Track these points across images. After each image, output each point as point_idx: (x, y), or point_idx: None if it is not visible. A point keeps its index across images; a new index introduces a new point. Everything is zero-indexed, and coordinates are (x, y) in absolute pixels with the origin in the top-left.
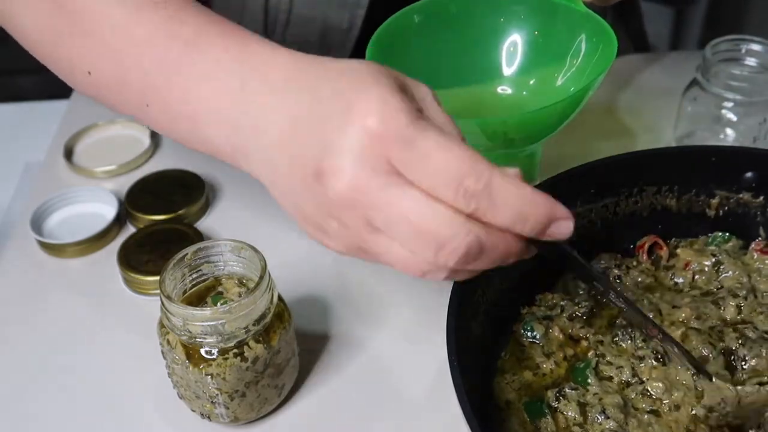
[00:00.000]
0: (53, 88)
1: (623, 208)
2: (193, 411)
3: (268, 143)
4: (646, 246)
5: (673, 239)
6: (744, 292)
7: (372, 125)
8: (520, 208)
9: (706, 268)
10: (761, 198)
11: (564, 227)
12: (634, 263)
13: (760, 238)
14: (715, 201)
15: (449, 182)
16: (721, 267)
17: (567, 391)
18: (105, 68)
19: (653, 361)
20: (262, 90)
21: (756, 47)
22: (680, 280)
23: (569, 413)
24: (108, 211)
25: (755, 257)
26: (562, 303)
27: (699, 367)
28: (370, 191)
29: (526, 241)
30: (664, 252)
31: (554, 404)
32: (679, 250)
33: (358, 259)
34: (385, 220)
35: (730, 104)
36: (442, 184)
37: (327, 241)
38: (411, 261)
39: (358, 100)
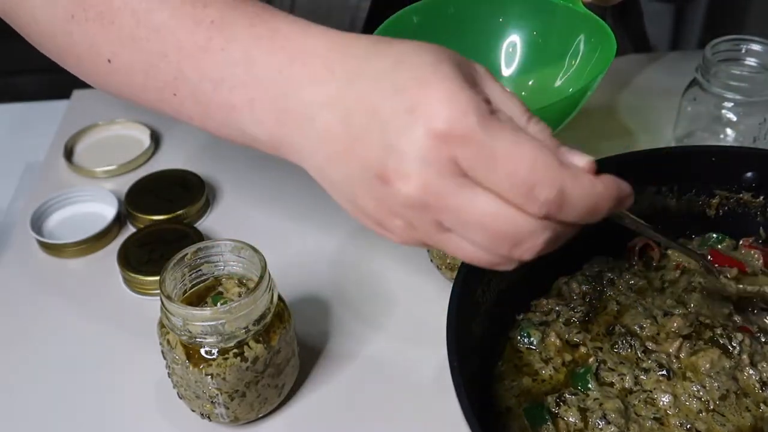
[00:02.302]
0: (53, 88)
1: None
2: (193, 411)
3: (316, 136)
4: (637, 248)
5: None
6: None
7: (439, 128)
8: (593, 205)
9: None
10: (761, 198)
11: (627, 202)
12: (627, 266)
13: (753, 237)
14: (715, 201)
15: (519, 188)
16: None
17: (567, 396)
18: (126, 55)
19: (657, 374)
20: (302, 78)
21: (756, 47)
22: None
23: (570, 418)
24: (108, 211)
25: (743, 252)
26: (557, 308)
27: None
28: (440, 196)
29: None
30: (655, 253)
31: (554, 410)
32: (670, 251)
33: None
34: (456, 222)
35: (730, 104)
36: (513, 189)
37: (388, 235)
38: (483, 257)
39: (422, 100)
